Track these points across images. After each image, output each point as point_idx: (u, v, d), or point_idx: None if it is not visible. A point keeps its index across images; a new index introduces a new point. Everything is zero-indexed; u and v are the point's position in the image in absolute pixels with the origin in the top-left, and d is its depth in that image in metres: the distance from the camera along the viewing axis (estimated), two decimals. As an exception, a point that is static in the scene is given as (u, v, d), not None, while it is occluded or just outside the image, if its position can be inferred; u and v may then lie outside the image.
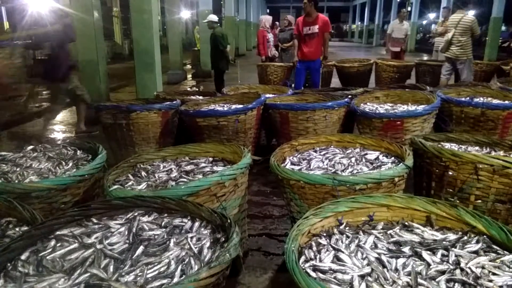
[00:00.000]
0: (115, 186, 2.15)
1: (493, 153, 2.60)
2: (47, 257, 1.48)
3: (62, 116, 7.40)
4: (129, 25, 8.77)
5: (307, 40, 6.19)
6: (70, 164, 2.60)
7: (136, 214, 1.79)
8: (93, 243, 1.56)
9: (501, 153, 2.60)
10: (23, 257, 1.49)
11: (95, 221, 1.76)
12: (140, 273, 1.37)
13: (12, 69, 4.59)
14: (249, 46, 23.78)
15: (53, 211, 2.19)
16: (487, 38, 13.43)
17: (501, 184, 2.19)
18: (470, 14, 6.39)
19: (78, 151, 2.86)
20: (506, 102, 3.79)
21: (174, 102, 4.11)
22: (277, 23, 11.36)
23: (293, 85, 6.60)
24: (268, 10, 36.22)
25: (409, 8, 25.36)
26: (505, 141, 2.70)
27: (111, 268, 1.42)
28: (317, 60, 6.30)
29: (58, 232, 1.65)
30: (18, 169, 2.53)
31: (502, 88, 4.41)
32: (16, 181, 2.34)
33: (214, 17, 7.92)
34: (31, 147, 2.92)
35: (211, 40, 7.68)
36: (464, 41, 6.44)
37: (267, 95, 4.59)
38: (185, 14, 13.52)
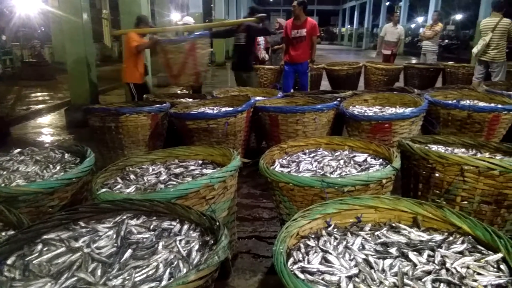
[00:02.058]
0: (104, 190, 2.13)
1: (478, 155, 2.64)
2: (34, 262, 1.46)
3: (50, 119, 7.34)
4: (118, 27, 8.73)
5: (295, 43, 6.22)
6: (58, 168, 2.57)
7: (124, 217, 1.79)
8: (81, 247, 1.55)
9: (487, 155, 2.65)
10: (9, 261, 1.48)
11: (82, 224, 1.75)
12: (128, 277, 1.36)
13: (206, 58, 4.77)
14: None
15: (40, 215, 2.17)
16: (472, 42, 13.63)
17: (486, 186, 2.22)
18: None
19: (66, 154, 2.83)
20: (492, 104, 3.85)
21: (164, 104, 4.09)
22: None
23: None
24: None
25: (397, 12, 25.62)
26: (490, 143, 2.75)
27: (98, 272, 1.41)
28: (305, 63, 6.33)
29: (45, 236, 1.64)
30: (4, 173, 2.49)
31: (488, 91, 4.48)
32: (3, 184, 2.31)
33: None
34: (18, 150, 2.88)
35: None
36: (501, 44, 6.62)
37: (257, 98, 4.60)
38: (176, 16, 13.48)
